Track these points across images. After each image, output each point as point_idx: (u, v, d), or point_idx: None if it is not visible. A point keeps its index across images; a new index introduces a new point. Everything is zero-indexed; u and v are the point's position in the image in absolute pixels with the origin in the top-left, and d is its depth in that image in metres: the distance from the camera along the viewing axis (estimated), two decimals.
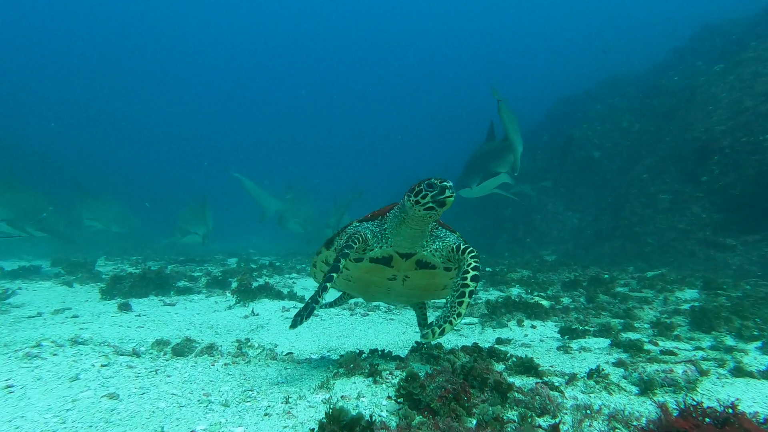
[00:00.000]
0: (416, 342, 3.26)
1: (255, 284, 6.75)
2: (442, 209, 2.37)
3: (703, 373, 3.06)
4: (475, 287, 2.61)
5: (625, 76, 19.93)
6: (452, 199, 2.35)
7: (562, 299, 6.81)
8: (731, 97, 11.89)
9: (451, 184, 2.37)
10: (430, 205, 2.36)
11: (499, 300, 6.01)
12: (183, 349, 3.53)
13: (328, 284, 2.46)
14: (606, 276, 8.76)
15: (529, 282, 8.32)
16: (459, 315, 2.54)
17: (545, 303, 6.09)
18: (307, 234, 18.38)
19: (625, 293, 6.96)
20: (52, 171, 20.21)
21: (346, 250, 2.53)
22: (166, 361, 2.91)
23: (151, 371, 2.67)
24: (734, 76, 12.45)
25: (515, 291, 7.74)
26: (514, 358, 3.28)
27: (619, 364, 3.41)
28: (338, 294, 3.80)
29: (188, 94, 72.17)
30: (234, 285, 6.62)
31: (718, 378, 3.02)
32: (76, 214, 15.87)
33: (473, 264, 2.63)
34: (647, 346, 4.09)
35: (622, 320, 5.34)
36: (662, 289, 7.33)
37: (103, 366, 2.76)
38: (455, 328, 2.62)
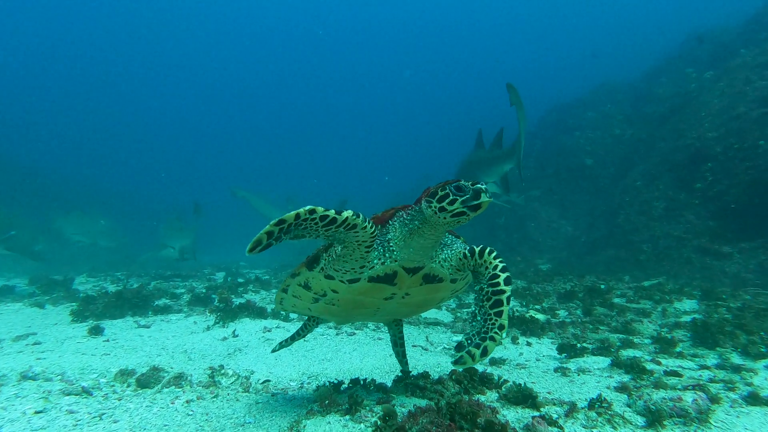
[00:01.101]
0: (401, 371, 2.98)
1: (239, 301, 6.45)
2: (475, 214, 2.01)
3: (715, 400, 2.82)
4: (510, 292, 2.27)
5: (617, 84, 19.98)
6: (488, 202, 1.99)
7: (558, 312, 6.57)
8: (722, 104, 11.82)
9: (485, 186, 2.01)
10: (461, 210, 1.98)
11: None
12: (149, 379, 3.23)
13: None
14: (602, 286, 8.53)
15: (524, 294, 8.07)
16: (502, 328, 2.19)
17: (541, 317, 5.84)
18: (301, 245, 18.05)
19: (622, 305, 6.73)
20: (33, 185, 19.71)
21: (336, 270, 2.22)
22: (118, 401, 2.60)
23: (95, 416, 2.34)
24: (725, 82, 12.41)
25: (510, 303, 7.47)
26: (508, 384, 3.01)
27: (621, 389, 3.16)
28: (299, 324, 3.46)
29: (180, 105, 71.94)
30: (219, 304, 6.30)
31: (731, 407, 2.77)
32: (57, 230, 15.43)
33: (500, 265, 2.27)
34: (650, 366, 3.85)
35: (621, 335, 5.10)
36: (660, 300, 7.11)
37: (36, 413, 2.42)
38: (498, 344, 2.18)
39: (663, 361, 4.14)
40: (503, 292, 2.22)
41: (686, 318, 6.08)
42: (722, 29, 16.68)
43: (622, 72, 22.84)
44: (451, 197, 1.99)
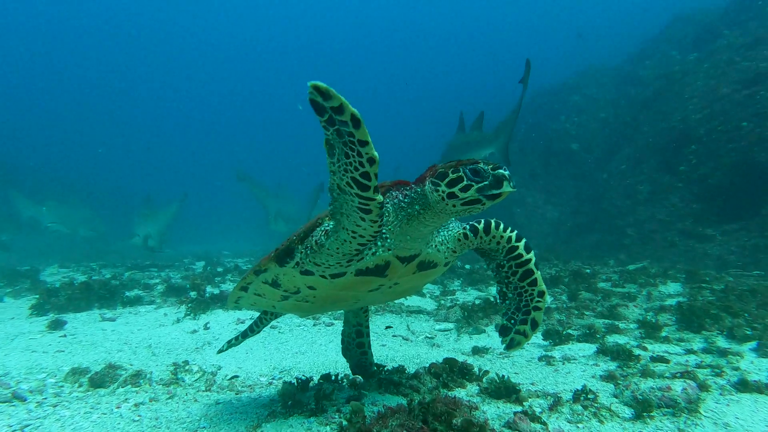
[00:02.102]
0: (375, 365, 2.77)
1: (215, 291, 6.17)
2: (492, 204, 1.70)
3: (704, 388, 2.68)
4: (534, 256, 2.12)
5: (602, 67, 19.85)
6: (510, 192, 1.68)
7: None
8: (706, 86, 11.76)
9: (508, 172, 1.68)
10: (475, 198, 1.67)
11: (477, 302, 5.61)
12: (103, 379, 2.98)
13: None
14: (587, 270, 8.46)
15: None
16: (542, 294, 2.08)
17: None
18: (290, 233, 17.71)
19: (607, 289, 6.65)
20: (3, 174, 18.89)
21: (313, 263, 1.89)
22: (53, 407, 2.33)
23: (17, 430, 2.06)
24: (709, 64, 12.35)
25: (494, 290, 7.34)
26: (489, 376, 2.83)
27: (608, 377, 3.01)
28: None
29: (166, 92, 69.93)
30: (192, 293, 6.02)
31: (721, 394, 2.64)
32: (29, 220, 14.83)
33: (513, 235, 2.11)
34: (636, 351, 3.72)
35: (606, 321, 5.00)
36: (645, 284, 7.05)
37: None
38: (543, 310, 2.08)
39: (649, 346, 4.03)
40: (529, 260, 2.08)
41: (671, 301, 6.02)
42: (705, 11, 16.59)
43: (608, 55, 22.76)
44: (465, 182, 1.67)
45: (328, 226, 1.84)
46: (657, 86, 14.76)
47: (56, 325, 4.45)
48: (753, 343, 3.90)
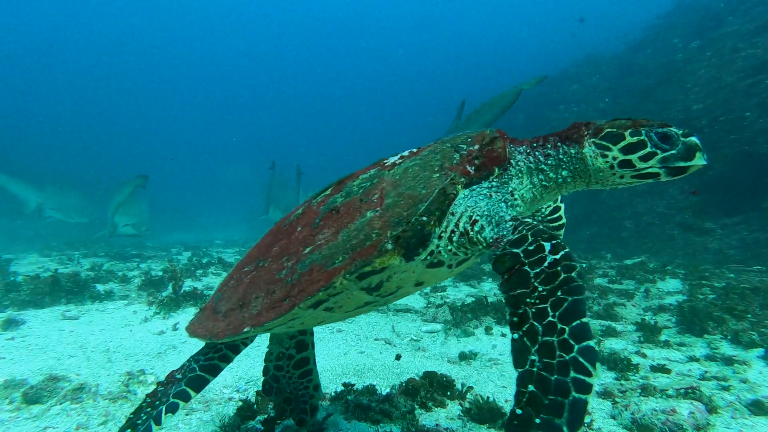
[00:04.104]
0: (343, 384, 2.45)
1: (196, 284, 5.85)
2: (670, 179, 1.43)
3: (713, 410, 2.39)
4: None
5: (602, 56, 19.42)
6: (699, 166, 1.40)
7: None
8: (709, 75, 11.40)
9: (698, 141, 1.41)
10: (656, 171, 1.39)
11: (468, 300, 5.32)
12: (40, 393, 2.66)
13: None
14: (584, 265, 8.19)
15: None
16: None
17: None
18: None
19: (604, 286, 6.37)
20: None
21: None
22: None
23: None
24: (712, 52, 11.96)
25: (487, 286, 7.06)
26: (473, 394, 2.54)
27: (605, 394, 2.71)
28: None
29: (165, 81, 68.66)
30: (167, 290, 5.68)
31: (732, 417, 2.35)
32: (21, 204, 14.62)
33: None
34: (635, 359, 3.44)
35: (603, 321, 4.71)
36: (643, 280, 6.79)
37: None
38: None
39: (648, 352, 3.75)
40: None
41: (670, 299, 5.76)
42: None
43: (608, 44, 22.25)
44: (647, 149, 1.39)
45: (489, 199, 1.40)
46: (658, 75, 14.38)
47: (9, 325, 4.11)
48: (760, 350, 3.63)
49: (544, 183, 1.48)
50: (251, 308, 1.65)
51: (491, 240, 1.33)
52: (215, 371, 1.79)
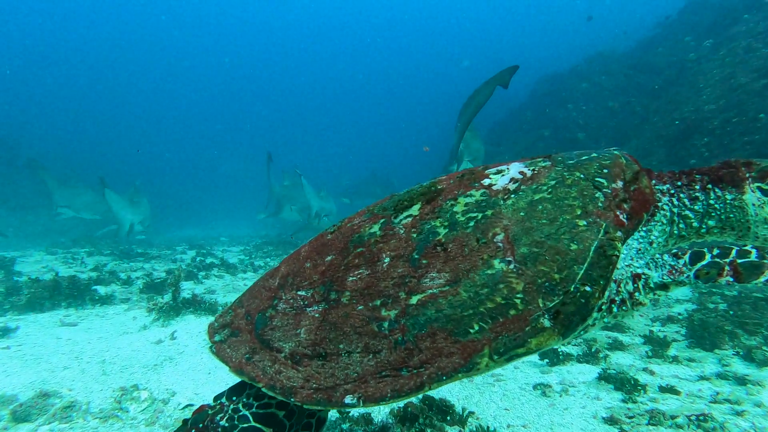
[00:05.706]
0: (338, 411, 2.37)
1: (196, 289, 5.79)
2: None
3: None
4: None
5: (612, 53, 19.12)
6: None
7: None
8: (722, 74, 11.13)
9: None
10: None
11: None
12: (29, 411, 2.60)
13: None
14: None
15: None
16: None
17: None
18: (303, 221, 17.14)
19: None
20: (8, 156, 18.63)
21: None
22: None
23: None
24: (725, 50, 11.68)
25: None
26: (473, 422, 2.44)
27: (611, 420, 2.60)
28: None
29: (167, 76, 68.90)
30: (167, 294, 5.63)
31: None
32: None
33: None
34: (643, 379, 3.33)
35: (609, 333, 4.59)
36: None
37: None
38: None
39: (657, 368, 3.63)
40: None
41: (679, 308, 5.62)
42: None
43: (618, 41, 21.91)
44: None
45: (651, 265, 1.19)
46: (669, 74, 14.12)
47: (3, 333, 4.07)
48: None
49: (683, 233, 1.27)
50: (342, 365, 1.27)
51: (664, 280, 1.16)
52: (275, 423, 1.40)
